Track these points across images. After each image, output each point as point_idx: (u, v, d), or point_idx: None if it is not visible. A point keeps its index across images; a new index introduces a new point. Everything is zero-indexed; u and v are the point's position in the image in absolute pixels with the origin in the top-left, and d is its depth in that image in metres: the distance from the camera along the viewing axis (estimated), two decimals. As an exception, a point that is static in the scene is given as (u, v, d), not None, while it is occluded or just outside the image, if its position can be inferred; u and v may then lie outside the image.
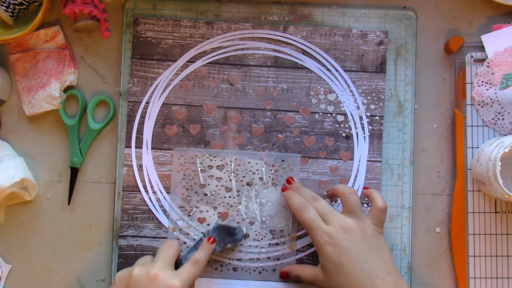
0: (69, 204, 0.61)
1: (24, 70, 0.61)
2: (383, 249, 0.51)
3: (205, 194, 0.60)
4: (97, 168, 0.62)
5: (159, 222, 0.60)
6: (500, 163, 0.53)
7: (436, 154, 0.61)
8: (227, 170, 0.60)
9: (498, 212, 0.59)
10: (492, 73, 0.59)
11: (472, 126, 0.59)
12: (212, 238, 0.54)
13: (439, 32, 0.62)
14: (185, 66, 0.61)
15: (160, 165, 0.60)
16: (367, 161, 0.60)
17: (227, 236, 0.57)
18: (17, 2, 0.58)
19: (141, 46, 0.61)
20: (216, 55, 0.61)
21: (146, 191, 0.60)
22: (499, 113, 0.59)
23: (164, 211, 0.60)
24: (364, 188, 0.57)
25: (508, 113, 0.59)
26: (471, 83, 0.60)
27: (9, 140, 0.62)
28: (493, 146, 0.55)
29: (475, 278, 0.58)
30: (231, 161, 0.60)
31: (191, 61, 0.61)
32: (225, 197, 0.60)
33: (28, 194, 0.60)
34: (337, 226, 0.51)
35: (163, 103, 0.61)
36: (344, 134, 0.61)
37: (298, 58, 0.61)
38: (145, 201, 0.60)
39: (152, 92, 0.61)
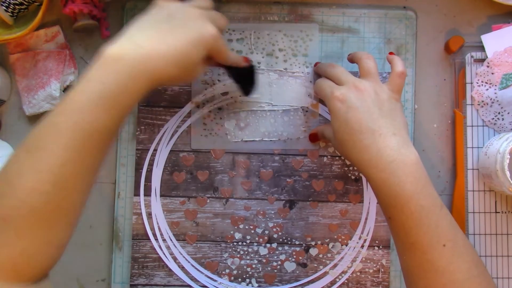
0: (69, 204, 0.61)
1: (24, 70, 0.61)
2: (395, 114, 0.48)
3: None
4: (97, 168, 0.62)
5: (170, 269, 0.59)
6: (509, 157, 0.53)
7: (436, 154, 0.61)
8: (247, 43, 0.60)
9: (498, 212, 0.59)
10: (492, 73, 0.59)
11: (472, 126, 0.59)
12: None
13: (439, 32, 0.62)
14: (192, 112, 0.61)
15: (169, 213, 0.60)
16: (377, 203, 0.60)
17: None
18: (17, 2, 0.58)
19: (147, 93, 0.60)
20: (222, 100, 0.61)
21: (156, 239, 0.60)
22: (499, 113, 0.59)
23: (175, 259, 0.60)
24: (390, 53, 0.54)
25: (508, 113, 0.59)
26: (471, 83, 0.60)
27: (9, 140, 0.62)
28: (502, 140, 0.55)
29: (475, 278, 0.58)
30: (251, 34, 0.60)
31: (198, 106, 0.61)
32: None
33: (28, 194, 0.60)
34: (351, 85, 0.49)
35: (170, 150, 0.60)
36: (353, 177, 0.60)
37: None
38: (155, 249, 0.59)
39: (160, 139, 0.60)
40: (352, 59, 0.55)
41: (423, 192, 0.45)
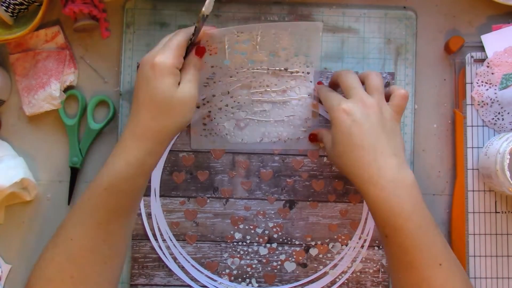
0: (69, 204, 0.61)
1: (24, 70, 0.61)
2: (395, 135, 0.49)
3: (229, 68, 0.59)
4: (97, 168, 0.61)
5: (170, 269, 0.59)
6: (509, 157, 0.53)
7: (436, 154, 0.61)
8: (253, 43, 0.58)
9: (498, 212, 0.59)
10: (492, 73, 0.59)
11: (472, 126, 0.59)
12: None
13: (439, 32, 0.62)
14: None
15: (169, 213, 0.60)
16: None
17: None
18: (17, 2, 0.58)
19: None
20: (222, 100, 0.60)
21: (156, 239, 0.59)
22: (499, 113, 0.59)
23: (175, 259, 0.60)
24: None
25: (508, 113, 0.59)
26: (471, 83, 0.60)
27: (9, 140, 0.62)
28: (502, 140, 0.55)
29: (475, 278, 0.58)
30: (257, 35, 0.57)
31: (198, 106, 0.60)
32: (249, 69, 0.60)
33: (28, 194, 0.60)
34: (357, 100, 0.49)
35: (170, 150, 0.60)
36: None
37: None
38: (154, 249, 0.59)
39: None
40: (360, 77, 0.54)
41: (420, 212, 0.46)
